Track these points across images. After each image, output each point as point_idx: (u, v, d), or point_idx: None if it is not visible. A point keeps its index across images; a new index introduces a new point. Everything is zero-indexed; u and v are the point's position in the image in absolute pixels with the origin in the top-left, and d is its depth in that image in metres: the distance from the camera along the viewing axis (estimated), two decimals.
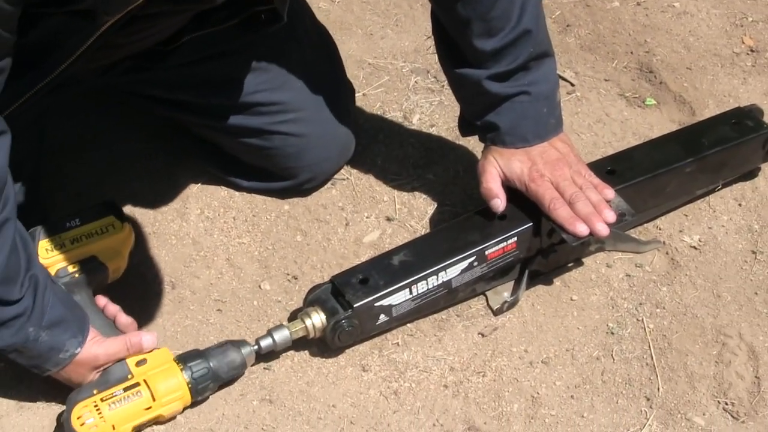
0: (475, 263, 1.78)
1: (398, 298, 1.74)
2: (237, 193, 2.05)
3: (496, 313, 1.84)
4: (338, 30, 2.35)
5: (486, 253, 1.78)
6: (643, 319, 1.83)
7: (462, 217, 1.86)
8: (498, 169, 1.81)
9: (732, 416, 1.70)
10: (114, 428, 1.61)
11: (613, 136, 2.13)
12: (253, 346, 1.72)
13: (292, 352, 1.79)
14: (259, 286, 1.90)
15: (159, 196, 2.03)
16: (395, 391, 1.75)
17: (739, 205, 1.99)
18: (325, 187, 2.06)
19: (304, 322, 1.72)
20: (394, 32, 2.39)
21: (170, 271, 1.92)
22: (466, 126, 1.92)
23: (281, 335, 1.72)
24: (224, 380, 1.71)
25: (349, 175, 2.07)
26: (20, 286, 1.53)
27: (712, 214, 1.98)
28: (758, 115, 1.97)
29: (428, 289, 1.76)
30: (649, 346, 1.79)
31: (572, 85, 2.24)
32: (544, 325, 1.83)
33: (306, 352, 1.79)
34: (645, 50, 2.31)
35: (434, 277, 1.75)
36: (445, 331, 1.82)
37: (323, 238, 1.97)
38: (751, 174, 2.01)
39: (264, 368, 1.77)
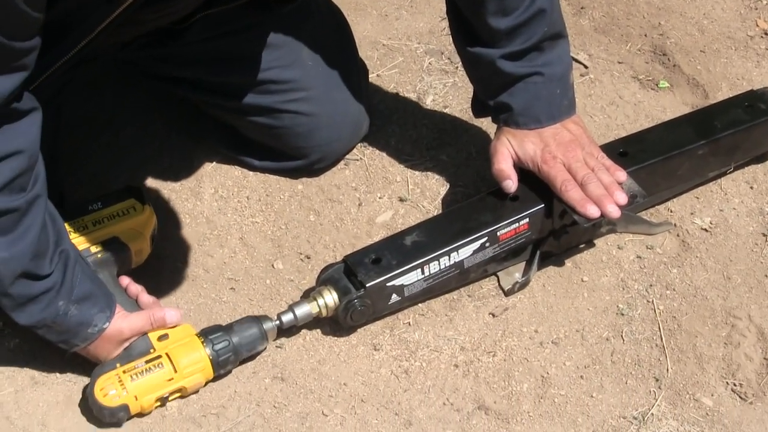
0: (487, 244, 1.79)
1: (410, 278, 1.75)
2: (251, 173, 2.06)
3: (508, 293, 1.85)
4: (353, 11, 2.35)
5: (498, 234, 1.79)
6: (653, 301, 1.84)
7: (474, 198, 1.87)
8: (510, 150, 1.82)
9: (740, 397, 1.71)
10: (137, 399, 1.64)
11: (626, 119, 2.14)
12: (275, 321, 1.73)
13: (304, 330, 1.81)
14: (272, 266, 1.91)
15: (173, 175, 2.05)
16: (406, 370, 1.76)
17: (751, 187, 1.99)
18: (339, 167, 2.07)
19: (316, 301, 1.74)
20: (409, 13, 2.39)
21: (184, 250, 1.93)
22: (479, 107, 1.93)
23: (302, 310, 1.73)
24: (246, 355, 1.73)
25: (362, 155, 2.08)
26: (50, 261, 1.56)
27: (723, 197, 1.98)
28: None
29: (440, 269, 1.77)
30: (659, 328, 1.80)
31: (586, 67, 2.25)
32: (555, 306, 1.84)
33: (318, 330, 1.81)
34: (659, 33, 2.30)
35: (446, 257, 1.76)
36: (456, 311, 1.84)
37: (336, 218, 1.99)
38: (763, 157, 2.02)
39: (276, 346, 1.78)
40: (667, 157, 1.87)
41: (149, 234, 1.81)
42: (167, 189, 2.02)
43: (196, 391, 1.71)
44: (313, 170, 2.04)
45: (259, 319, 1.73)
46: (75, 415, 1.69)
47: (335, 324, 1.80)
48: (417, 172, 2.05)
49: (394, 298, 1.76)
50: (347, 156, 2.07)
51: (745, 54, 2.26)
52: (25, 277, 1.54)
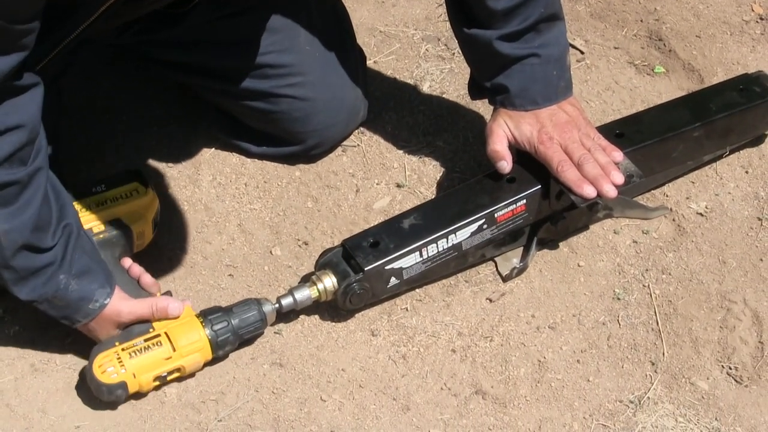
0: (485, 226, 1.79)
1: (409, 261, 1.76)
2: (249, 160, 2.06)
3: (505, 279, 1.86)
4: None
5: (495, 215, 1.79)
6: (649, 285, 1.85)
7: (472, 181, 1.87)
8: (507, 132, 1.82)
9: (735, 380, 1.72)
10: (135, 376, 1.64)
11: (622, 104, 2.14)
12: (274, 304, 1.74)
13: (302, 316, 1.82)
14: (270, 252, 1.92)
15: (171, 162, 2.05)
16: (404, 355, 1.77)
17: (746, 172, 2.00)
18: (336, 153, 2.07)
19: (315, 286, 1.75)
20: (406, 0, 2.40)
21: (182, 237, 1.94)
22: (475, 89, 1.94)
23: (302, 294, 1.74)
24: (244, 337, 1.74)
25: (359, 141, 2.09)
26: (52, 235, 1.57)
27: (718, 181, 1.99)
28: (765, 82, 1.98)
29: (438, 252, 1.77)
30: (655, 312, 1.81)
31: (582, 52, 2.25)
32: (552, 291, 1.85)
33: (316, 316, 1.82)
34: (655, 18, 2.31)
35: (444, 239, 1.77)
36: (454, 297, 1.85)
37: (334, 204, 1.99)
38: (758, 140, 2.02)
39: (274, 332, 1.79)
40: (663, 139, 1.88)
41: (151, 217, 1.82)
42: (165, 176, 2.03)
43: (194, 374, 1.72)
44: (310, 156, 2.05)
45: (259, 302, 1.74)
46: (75, 402, 1.70)
47: (333, 309, 1.81)
48: (414, 158, 2.06)
49: (393, 281, 1.77)
50: (344, 142, 2.08)
51: (740, 39, 2.27)
52: (27, 250, 1.54)
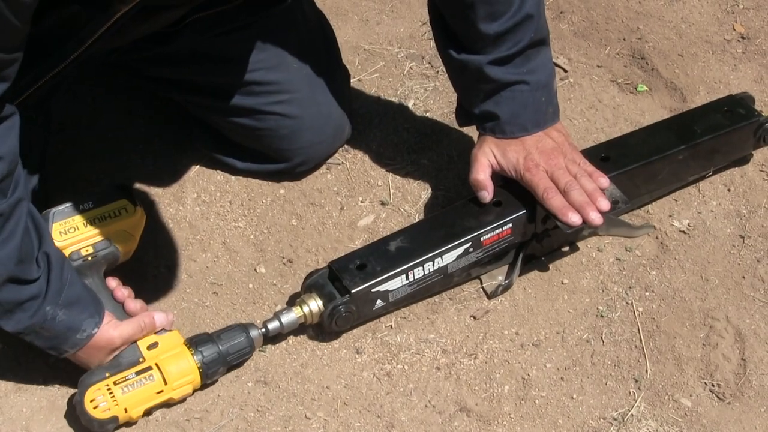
0: (471, 249, 1.80)
1: (395, 284, 1.76)
2: (233, 178, 2.07)
3: (491, 296, 1.87)
4: (334, 16, 2.37)
5: (482, 239, 1.80)
6: (632, 302, 1.86)
7: (458, 203, 1.88)
8: (492, 160, 1.83)
9: (718, 398, 1.73)
10: (126, 411, 1.64)
11: (605, 122, 2.15)
12: (261, 329, 1.74)
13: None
14: (255, 270, 1.92)
15: (156, 180, 2.05)
16: (388, 373, 1.77)
17: (728, 190, 2.01)
18: (320, 171, 2.08)
19: (301, 308, 1.75)
20: (390, 18, 2.41)
21: (167, 255, 1.94)
22: (464, 116, 1.93)
23: (288, 318, 1.74)
24: (232, 363, 1.74)
25: (344, 159, 2.10)
26: (36, 265, 1.56)
27: (701, 199, 2.00)
28: (749, 103, 2.00)
29: (424, 274, 1.78)
30: (638, 329, 1.82)
31: (565, 71, 2.26)
32: (536, 308, 1.86)
33: (301, 335, 1.82)
34: (637, 37, 2.32)
35: (430, 263, 1.77)
36: (438, 314, 1.85)
37: (318, 222, 2.00)
38: (742, 160, 2.04)
39: (259, 350, 1.79)
40: (649, 162, 1.89)
41: (138, 235, 1.81)
42: (150, 194, 2.03)
43: (183, 401, 1.72)
44: (295, 173, 2.05)
45: (246, 327, 1.74)
46: (58, 421, 1.70)
47: (318, 328, 1.81)
48: (398, 176, 2.07)
49: (379, 303, 1.77)
50: (329, 160, 2.09)
51: (722, 58, 2.29)
52: (12, 283, 1.53)
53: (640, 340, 1.80)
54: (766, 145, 2.00)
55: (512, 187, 1.83)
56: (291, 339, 1.81)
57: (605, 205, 1.76)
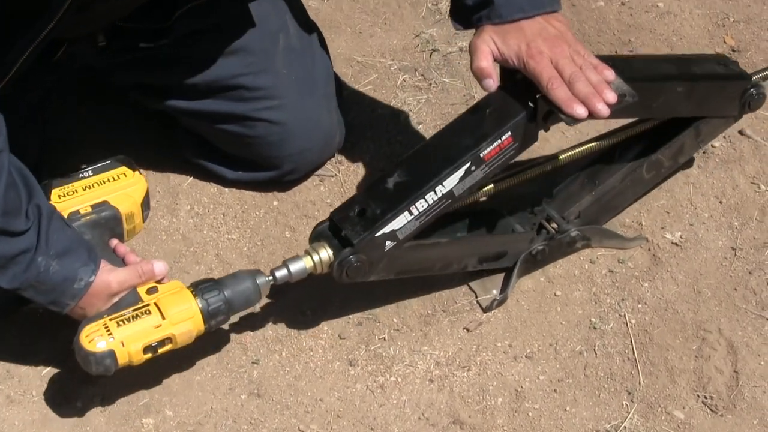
0: (473, 168, 1.69)
1: (400, 222, 1.68)
2: (226, 189, 2.07)
3: (486, 310, 1.87)
4: (327, 28, 2.37)
5: (481, 155, 1.69)
6: (625, 314, 1.86)
7: (452, 121, 1.78)
8: (493, 48, 1.71)
9: (711, 410, 1.74)
10: (123, 345, 1.59)
11: (597, 133, 2.15)
12: (268, 276, 1.70)
13: (279, 346, 1.82)
14: None
15: (149, 192, 2.05)
16: (381, 385, 1.77)
17: (720, 202, 2.02)
18: (314, 183, 2.08)
19: (311, 257, 1.69)
20: (383, 30, 2.41)
21: None
22: (458, 12, 1.82)
23: (296, 266, 1.68)
24: (237, 310, 1.69)
25: (337, 171, 2.10)
26: (25, 217, 1.55)
27: (693, 211, 2.01)
28: (737, 67, 1.94)
29: (429, 205, 1.69)
30: (631, 341, 1.82)
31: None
32: (528, 320, 1.86)
33: (294, 346, 1.82)
34: (629, 49, 2.33)
35: (432, 192, 1.68)
36: (431, 326, 1.85)
37: None
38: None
39: (252, 362, 1.79)
40: (650, 82, 1.80)
41: (140, 199, 1.81)
42: None
43: (187, 345, 1.67)
44: (286, 181, 2.05)
45: (252, 274, 1.70)
46: None
47: (312, 338, 1.81)
48: None
49: (389, 244, 1.69)
50: (322, 172, 2.09)
51: None
52: (1, 234, 1.52)
53: (633, 352, 1.81)
54: (750, 111, 1.94)
55: (505, 89, 1.72)
56: (284, 351, 1.82)
57: (612, 97, 1.65)
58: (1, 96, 1.55)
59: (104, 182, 1.78)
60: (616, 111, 1.67)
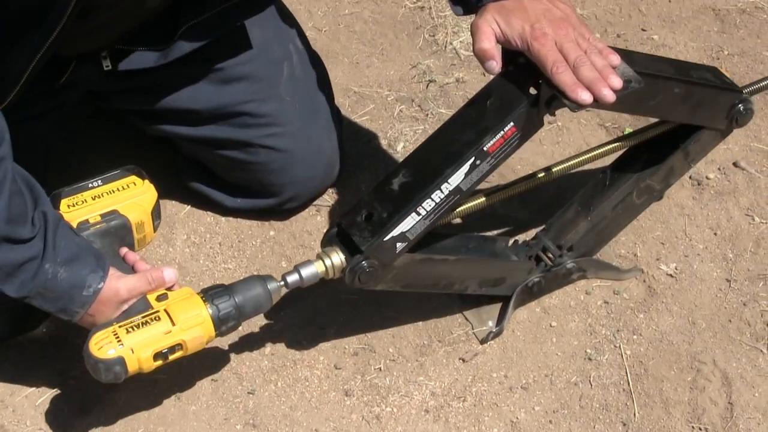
0: (478, 162, 1.65)
1: (408, 224, 1.65)
2: (223, 219, 2.08)
3: (482, 342, 1.87)
4: (325, 58, 2.37)
5: (485, 148, 1.65)
6: (620, 346, 1.86)
7: (455, 114, 1.73)
8: (495, 28, 1.66)
9: None
10: (133, 352, 1.58)
11: (593, 165, 2.16)
12: (279, 282, 1.68)
13: (275, 376, 1.82)
14: None
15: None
16: (377, 415, 1.77)
17: (714, 234, 2.03)
18: (310, 213, 2.09)
19: (322, 261, 1.67)
20: (380, 61, 2.43)
21: None
22: None
23: (308, 271, 1.66)
24: (248, 315, 1.68)
25: (333, 201, 2.11)
26: (31, 224, 1.55)
27: (688, 243, 2.02)
28: (726, 79, 1.91)
29: (437, 203, 1.66)
30: (626, 372, 1.83)
31: (553, 115, 2.27)
32: (524, 351, 1.87)
33: (289, 376, 1.82)
34: None
35: (438, 191, 1.65)
36: (427, 357, 1.85)
37: None
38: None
39: (248, 392, 1.79)
40: (651, 77, 1.74)
41: (150, 208, 1.81)
42: None
43: (197, 351, 1.65)
44: (284, 210, 2.06)
45: (263, 279, 1.68)
46: None
47: (308, 368, 1.81)
48: None
49: (399, 245, 1.66)
50: (319, 202, 2.10)
51: None
52: (6, 242, 1.52)
53: (628, 384, 1.81)
54: (737, 126, 1.91)
55: (506, 75, 1.67)
56: (279, 381, 1.82)
57: (617, 82, 1.60)
58: (7, 110, 1.55)
59: (114, 191, 1.78)
60: (620, 98, 1.61)
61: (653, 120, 1.91)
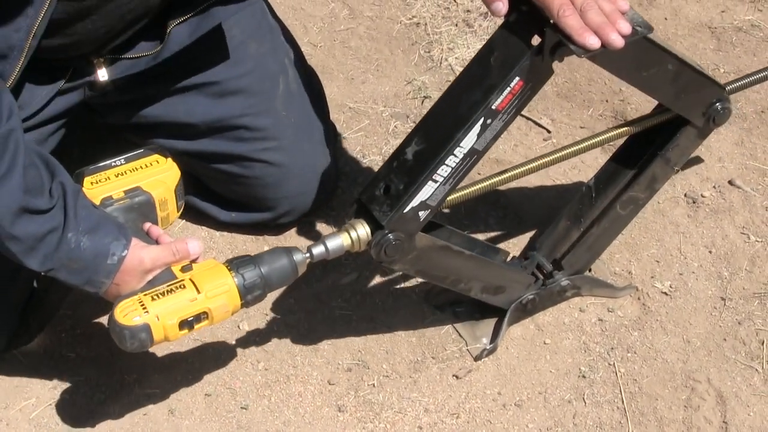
0: (489, 121, 1.62)
1: (426, 192, 1.64)
2: (217, 234, 2.07)
3: (476, 359, 1.87)
4: (320, 74, 2.37)
5: (493, 107, 1.62)
6: (614, 363, 1.86)
7: (460, 74, 1.70)
8: None
9: None
10: (158, 319, 1.56)
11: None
12: (305, 253, 1.66)
13: (268, 391, 1.81)
14: (238, 326, 1.92)
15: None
16: (371, 431, 1.77)
17: (710, 252, 2.03)
18: (304, 228, 2.09)
19: (348, 234, 1.65)
20: (375, 77, 2.43)
21: None
22: None
23: (334, 243, 1.65)
24: (274, 286, 1.67)
25: (327, 217, 2.11)
26: (49, 195, 1.54)
27: (683, 261, 2.02)
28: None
29: (453, 168, 1.63)
30: (620, 390, 1.82)
31: (548, 131, 2.29)
32: (518, 368, 1.86)
33: (283, 392, 1.82)
34: (620, 98, 2.35)
35: (451, 156, 1.62)
36: (421, 373, 1.85)
37: (302, 279, 1.98)
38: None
39: (241, 407, 1.79)
40: (652, 44, 1.70)
41: (173, 186, 1.81)
42: None
43: (223, 320, 1.64)
44: (279, 224, 2.06)
45: (289, 251, 1.67)
46: None
47: (302, 384, 1.81)
48: None
49: (423, 214, 1.65)
50: (313, 217, 2.09)
51: None
52: (26, 213, 1.51)
53: (622, 402, 1.81)
54: (714, 126, 1.89)
55: (508, 26, 1.63)
56: (273, 397, 1.81)
57: (626, 27, 1.56)
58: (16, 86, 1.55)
59: (137, 169, 1.78)
60: (626, 47, 1.57)
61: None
